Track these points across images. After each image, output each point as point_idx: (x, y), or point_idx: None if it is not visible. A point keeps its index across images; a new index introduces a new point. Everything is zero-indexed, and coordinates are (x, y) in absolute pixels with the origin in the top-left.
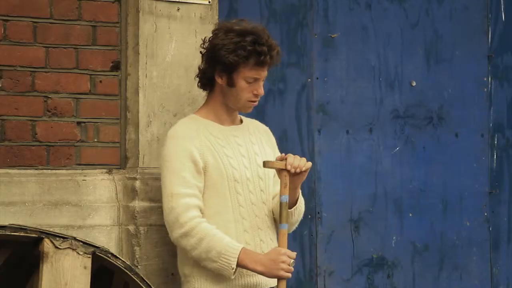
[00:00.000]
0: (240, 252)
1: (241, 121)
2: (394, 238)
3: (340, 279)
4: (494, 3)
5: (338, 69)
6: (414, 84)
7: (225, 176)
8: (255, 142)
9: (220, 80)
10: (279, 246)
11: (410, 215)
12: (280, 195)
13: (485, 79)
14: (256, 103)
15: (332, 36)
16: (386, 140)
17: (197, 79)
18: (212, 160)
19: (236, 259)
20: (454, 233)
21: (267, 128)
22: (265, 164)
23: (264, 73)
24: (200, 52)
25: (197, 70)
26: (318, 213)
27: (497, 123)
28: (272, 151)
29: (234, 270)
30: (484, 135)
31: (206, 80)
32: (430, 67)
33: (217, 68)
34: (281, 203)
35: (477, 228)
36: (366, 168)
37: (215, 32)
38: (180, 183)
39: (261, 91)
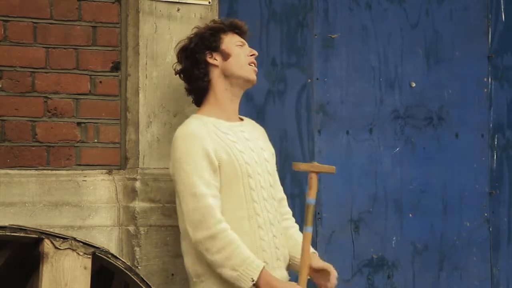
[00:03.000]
0: (262, 268)
1: (241, 120)
2: (394, 238)
3: (340, 279)
4: (494, 3)
5: (338, 69)
6: (414, 84)
7: (239, 173)
8: (259, 137)
9: (215, 61)
10: (302, 250)
11: (410, 215)
12: (307, 197)
13: (485, 79)
14: (256, 68)
15: (332, 36)
16: (386, 141)
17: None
18: (226, 157)
19: (259, 273)
20: (454, 233)
21: (263, 129)
22: (294, 166)
23: (245, 42)
24: (180, 77)
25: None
26: (318, 213)
27: (497, 124)
28: (268, 151)
29: (253, 282)
30: (484, 136)
31: (200, 80)
32: (430, 67)
33: (206, 52)
34: (307, 206)
35: (477, 229)
36: (366, 168)
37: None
38: (202, 183)
39: (255, 51)
